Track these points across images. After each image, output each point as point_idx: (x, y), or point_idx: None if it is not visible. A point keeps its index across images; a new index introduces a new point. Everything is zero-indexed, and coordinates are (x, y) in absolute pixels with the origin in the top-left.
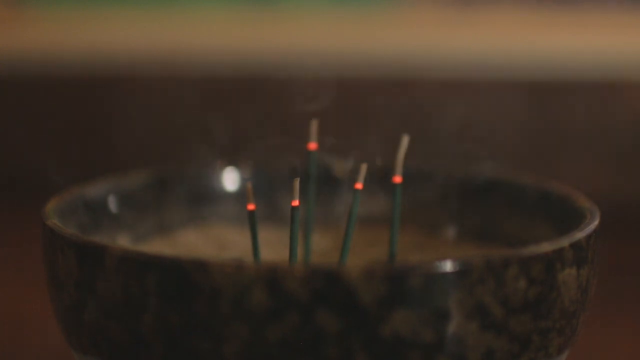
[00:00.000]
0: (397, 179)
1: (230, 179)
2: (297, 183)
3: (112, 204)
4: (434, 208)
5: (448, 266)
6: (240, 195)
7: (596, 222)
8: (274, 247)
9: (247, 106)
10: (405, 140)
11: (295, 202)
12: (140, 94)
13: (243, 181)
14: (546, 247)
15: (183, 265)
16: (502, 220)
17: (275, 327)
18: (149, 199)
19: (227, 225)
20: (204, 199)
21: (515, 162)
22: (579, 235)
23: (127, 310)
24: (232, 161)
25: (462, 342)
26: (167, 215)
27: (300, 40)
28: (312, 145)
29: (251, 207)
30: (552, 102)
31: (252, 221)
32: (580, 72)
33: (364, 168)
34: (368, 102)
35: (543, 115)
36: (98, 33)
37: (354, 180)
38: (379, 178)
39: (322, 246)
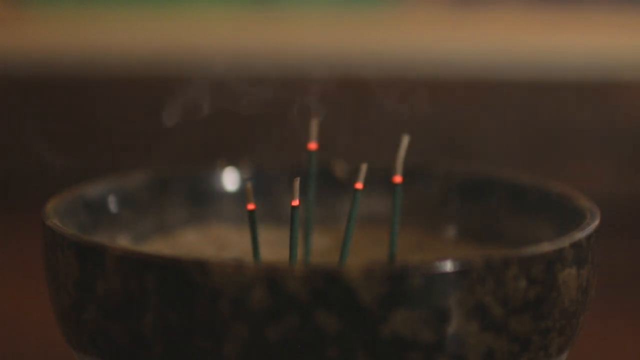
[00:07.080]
0: (397, 179)
1: (230, 179)
2: (297, 183)
3: (112, 204)
4: (434, 208)
5: (448, 266)
6: (240, 195)
7: (596, 222)
8: (274, 247)
9: (246, 106)
10: (405, 140)
11: (295, 202)
12: (139, 94)
13: (243, 181)
14: (546, 247)
15: (183, 265)
16: (502, 220)
17: (275, 327)
18: (149, 199)
19: (227, 225)
20: (204, 199)
21: (516, 162)
22: (579, 235)
23: (127, 310)
24: (232, 161)
25: (462, 342)
26: (167, 215)
27: (300, 40)
28: (312, 145)
29: (251, 207)
30: (552, 102)
31: (252, 221)
32: (580, 72)
33: (364, 168)
34: (368, 102)
35: (543, 115)
36: (98, 33)
37: (354, 180)
38: (379, 178)
39: (322, 246)
